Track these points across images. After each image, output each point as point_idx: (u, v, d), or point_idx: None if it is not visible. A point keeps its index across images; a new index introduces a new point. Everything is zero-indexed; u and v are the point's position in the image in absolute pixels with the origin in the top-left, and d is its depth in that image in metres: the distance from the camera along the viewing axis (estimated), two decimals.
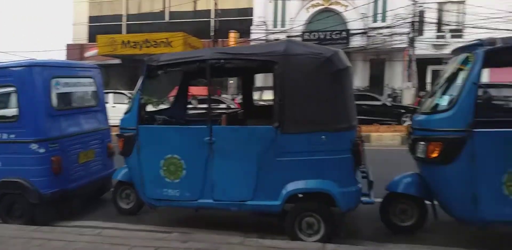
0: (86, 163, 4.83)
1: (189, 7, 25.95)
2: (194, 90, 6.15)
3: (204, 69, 3.93)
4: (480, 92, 3.45)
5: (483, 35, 12.62)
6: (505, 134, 3.40)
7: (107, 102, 6.24)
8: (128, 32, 26.05)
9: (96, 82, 5.22)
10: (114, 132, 4.79)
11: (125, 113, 4.28)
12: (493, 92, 10.67)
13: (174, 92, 5.46)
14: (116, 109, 10.07)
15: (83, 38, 26.66)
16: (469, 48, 3.64)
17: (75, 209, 4.82)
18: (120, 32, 25.86)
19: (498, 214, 3.36)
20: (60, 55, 26.28)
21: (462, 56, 3.70)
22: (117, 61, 24.36)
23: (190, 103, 5.84)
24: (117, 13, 26.96)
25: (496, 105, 10.97)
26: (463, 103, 3.38)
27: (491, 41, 3.45)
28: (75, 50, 25.27)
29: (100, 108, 5.26)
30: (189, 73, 4.92)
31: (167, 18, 26.21)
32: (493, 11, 17.49)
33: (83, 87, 5.15)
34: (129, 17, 26.85)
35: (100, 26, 26.76)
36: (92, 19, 27.35)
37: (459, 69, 3.66)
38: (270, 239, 3.73)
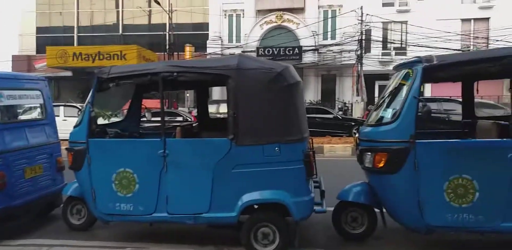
0: (33, 178, 4.62)
1: (143, 21, 25.79)
2: (149, 103, 6.09)
3: (156, 82, 3.93)
4: (420, 105, 3.69)
5: (424, 52, 13.58)
6: (444, 144, 3.64)
7: (57, 116, 6.04)
8: (79, 44, 25.40)
9: (43, 95, 5.05)
10: (66, 146, 4.65)
11: (75, 126, 4.17)
12: (433, 105, 11.44)
13: (128, 105, 5.39)
14: (68, 122, 9.73)
15: (30, 49, 25.63)
16: (409, 64, 3.91)
17: (22, 226, 4.58)
18: (71, 44, 25.12)
19: (441, 220, 3.56)
20: (5, 67, 25.02)
21: (403, 72, 3.97)
22: (68, 73, 23.60)
23: (144, 116, 5.76)
24: (67, 24, 26.23)
25: (435, 118, 11.74)
26: (405, 116, 3.60)
27: (428, 59, 3.72)
28: (21, 61, 24.20)
29: (48, 122, 5.07)
30: (142, 86, 4.89)
31: (120, 31, 25.82)
32: (433, 31, 18.86)
33: (29, 100, 4.95)
34: (81, 29, 26.19)
35: (49, 38, 25.88)
36: (40, 30, 26.39)
37: (401, 84, 3.91)
38: None
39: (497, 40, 18.22)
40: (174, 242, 4.13)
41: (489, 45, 19.89)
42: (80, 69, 21.65)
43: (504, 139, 3.55)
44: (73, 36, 26.04)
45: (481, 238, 3.97)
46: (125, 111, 5.82)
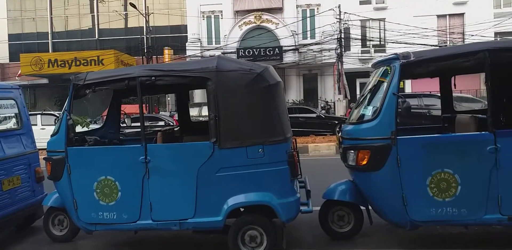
0: (11, 190, 4.48)
1: (120, 25, 25.46)
2: (129, 108, 5.99)
3: (134, 87, 3.86)
4: (400, 102, 3.71)
5: (403, 49, 13.76)
6: (424, 140, 3.68)
7: (35, 125, 5.88)
8: (54, 50, 24.92)
9: (18, 104, 4.91)
10: (44, 155, 4.53)
11: (52, 135, 4.07)
12: (413, 101, 11.60)
13: (106, 111, 5.28)
14: (46, 131, 9.56)
15: (3, 57, 25.00)
16: (387, 61, 3.93)
17: (2, 240, 4.44)
18: (46, 51, 24.60)
19: (425, 214, 3.59)
20: None
21: (382, 69, 3.99)
22: (44, 81, 23.14)
23: (124, 122, 5.66)
24: (41, 30, 25.68)
25: (416, 114, 11.89)
26: (385, 113, 3.62)
27: (406, 55, 3.75)
28: None
29: (25, 131, 4.93)
30: (121, 92, 4.80)
31: (97, 36, 25.44)
32: (410, 27, 19.16)
33: (3, 110, 4.81)
34: (55, 35, 25.67)
35: (22, 45, 25.30)
36: (12, 37, 25.77)
37: (380, 82, 3.93)
38: None
39: (472, 35, 18.64)
40: (160, 249, 4.06)
41: (464, 40, 20.32)
42: (57, 76, 21.25)
43: (483, 132, 3.60)
44: (48, 42, 25.52)
45: (465, 231, 4.03)
46: (104, 117, 5.70)
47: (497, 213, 3.52)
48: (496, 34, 20.98)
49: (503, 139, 3.50)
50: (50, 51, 24.67)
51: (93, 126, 9.29)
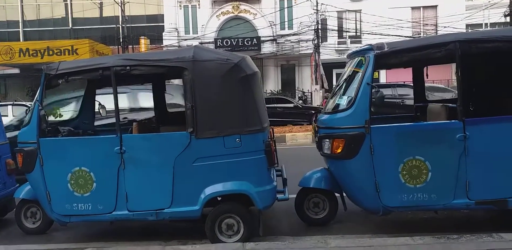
0: None
1: (94, 14, 24.79)
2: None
3: (109, 77, 3.80)
4: (373, 92, 3.78)
5: (378, 40, 13.91)
6: (397, 128, 3.78)
7: (5, 115, 5.70)
8: (26, 39, 24.08)
9: None
10: None
11: (23, 126, 3.97)
12: (387, 91, 11.80)
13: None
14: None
15: None
16: (362, 52, 4.00)
17: None
18: (17, 40, 23.77)
19: (397, 201, 3.70)
20: None
21: (356, 59, 4.06)
22: (15, 70, 22.38)
23: (98, 113, 5.55)
24: (11, 19, 24.74)
25: (390, 103, 12.10)
26: (359, 103, 3.70)
27: (379, 46, 3.81)
28: None
29: None
30: (95, 81, 4.71)
31: (70, 25, 24.70)
32: (385, 19, 19.41)
33: None
34: (26, 23, 24.78)
35: None
36: None
37: (355, 72, 4.01)
38: (191, 244, 3.72)
39: (444, 27, 19.03)
40: (136, 240, 4.06)
41: (437, 32, 20.72)
42: (29, 66, 20.59)
43: (453, 121, 3.72)
44: (18, 31, 24.62)
45: (435, 215, 4.18)
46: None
47: (465, 198, 3.66)
48: (467, 26, 21.49)
49: (472, 127, 3.62)
50: (21, 40, 23.84)
51: (66, 117, 9.08)
